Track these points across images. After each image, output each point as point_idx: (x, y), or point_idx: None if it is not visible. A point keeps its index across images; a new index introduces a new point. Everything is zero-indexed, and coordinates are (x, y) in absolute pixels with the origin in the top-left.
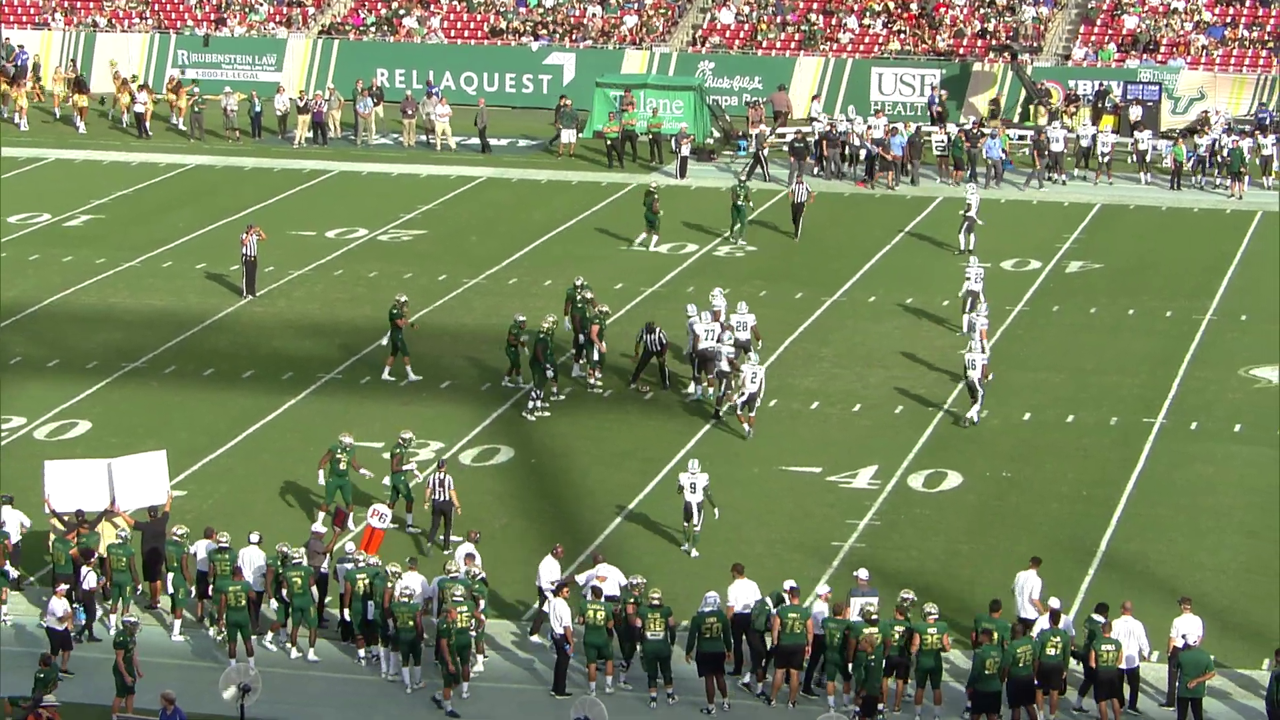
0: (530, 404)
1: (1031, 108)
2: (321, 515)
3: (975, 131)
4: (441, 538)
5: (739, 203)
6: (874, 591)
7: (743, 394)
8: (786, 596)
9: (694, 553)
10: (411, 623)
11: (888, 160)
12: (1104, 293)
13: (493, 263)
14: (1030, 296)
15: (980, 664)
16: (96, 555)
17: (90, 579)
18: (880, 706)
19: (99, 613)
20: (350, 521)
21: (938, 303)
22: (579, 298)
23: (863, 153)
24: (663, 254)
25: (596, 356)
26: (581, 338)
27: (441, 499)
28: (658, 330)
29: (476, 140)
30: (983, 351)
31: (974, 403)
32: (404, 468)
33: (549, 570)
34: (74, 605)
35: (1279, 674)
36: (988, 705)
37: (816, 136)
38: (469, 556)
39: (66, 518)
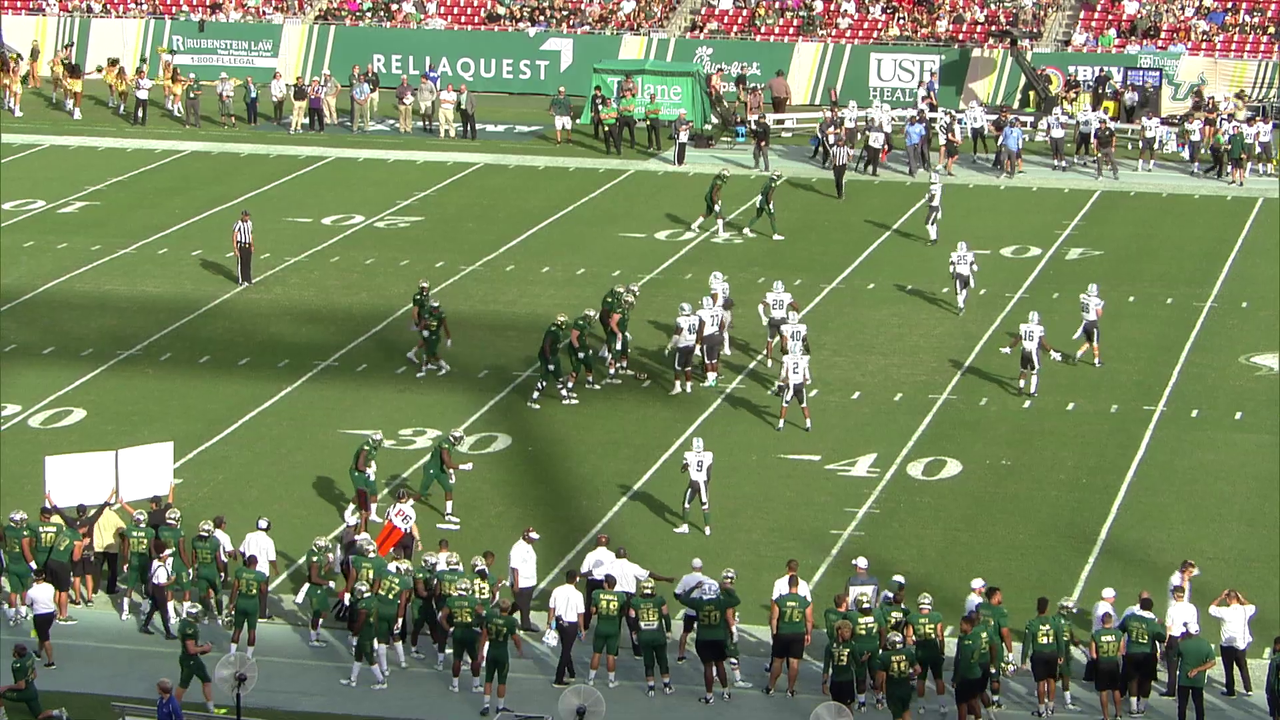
0: (534, 394)
1: (1031, 94)
2: (350, 506)
3: (1003, 120)
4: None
5: (768, 203)
6: (873, 580)
7: (786, 385)
8: (892, 594)
9: (707, 531)
10: (394, 596)
11: (955, 146)
12: (1104, 279)
13: (489, 249)
14: (1030, 284)
15: (968, 656)
16: (170, 550)
17: (161, 573)
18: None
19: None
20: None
21: (937, 290)
22: (614, 292)
23: (878, 140)
24: (660, 240)
25: (620, 346)
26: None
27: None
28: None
29: (480, 126)
30: (1093, 338)
31: (1031, 372)
32: (463, 467)
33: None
34: (144, 597)
35: (1278, 663)
36: (969, 693)
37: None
38: (443, 543)
39: (69, 513)
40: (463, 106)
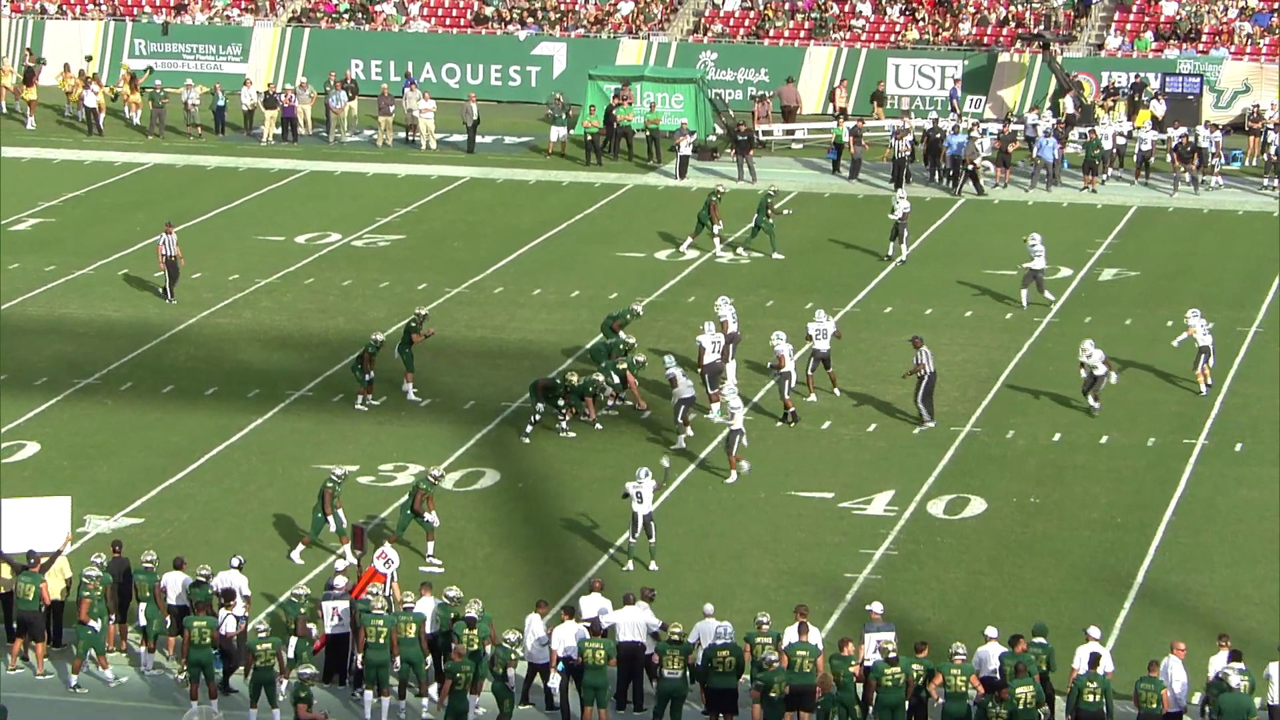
0: (528, 426)
1: (1060, 102)
2: (343, 566)
3: (1061, 131)
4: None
5: (768, 217)
6: (890, 626)
7: (729, 429)
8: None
9: (653, 566)
10: (384, 640)
11: (1008, 158)
12: (1140, 302)
13: (476, 270)
14: (1060, 307)
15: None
16: (240, 598)
17: (230, 623)
18: None
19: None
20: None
21: (959, 314)
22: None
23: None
24: (660, 260)
25: (619, 379)
26: (616, 377)
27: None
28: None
29: (462, 137)
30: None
31: (1097, 386)
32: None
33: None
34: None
35: None
36: None
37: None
38: (425, 586)
39: (30, 560)
40: (475, 117)
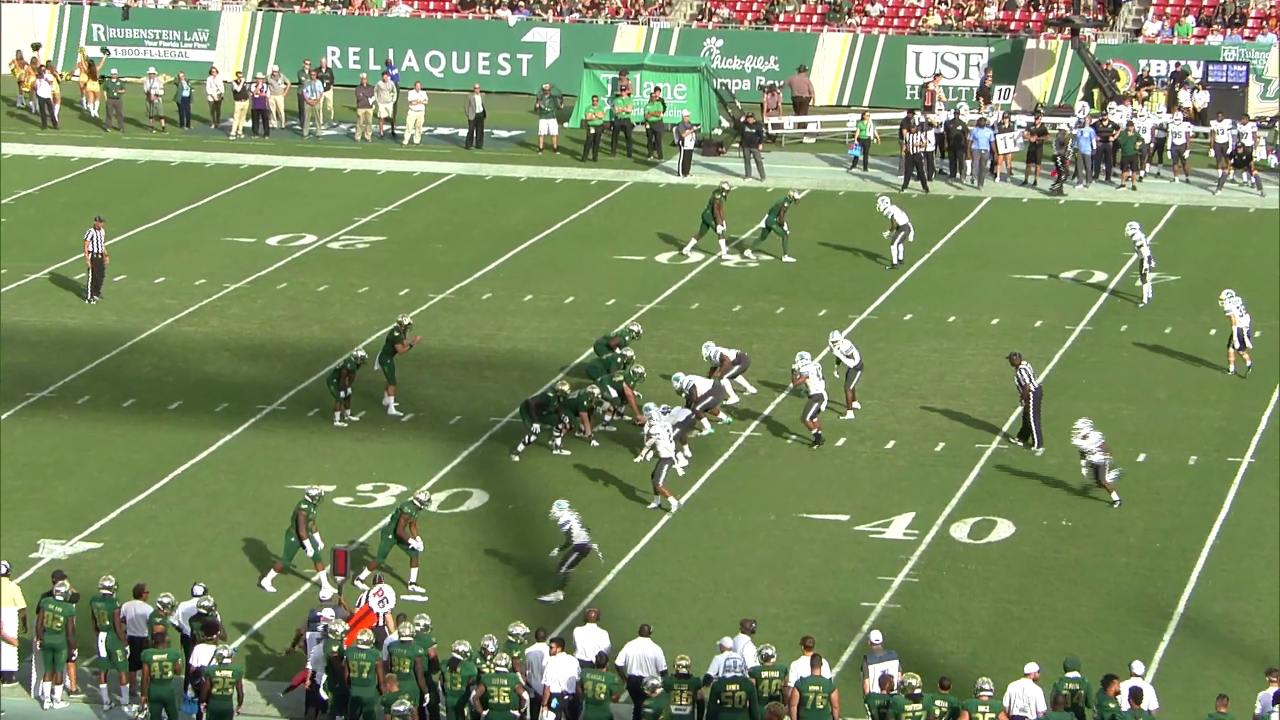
0: (520, 445)
1: (1095, 92)
2: (328, 595)
3: (1106, 125)
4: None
5: (780, 221)
6: (893, 655)
7: (653, 457)
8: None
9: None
10: (369, 675)
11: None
12: (1181, 309)
13: (463, 274)
14: (1094, 314)
15: None
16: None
17: (203, 653)
18: None
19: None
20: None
21: (985, 321)
22: (620, 358)
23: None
24: (661, 264)
25: (616, 394)
26: (613, 391)
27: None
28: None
29: (448, 130)
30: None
31: (1102, 475)
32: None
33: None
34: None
35: None
36: None
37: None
38: (401, 617)
39: None
40: (479, 110)
